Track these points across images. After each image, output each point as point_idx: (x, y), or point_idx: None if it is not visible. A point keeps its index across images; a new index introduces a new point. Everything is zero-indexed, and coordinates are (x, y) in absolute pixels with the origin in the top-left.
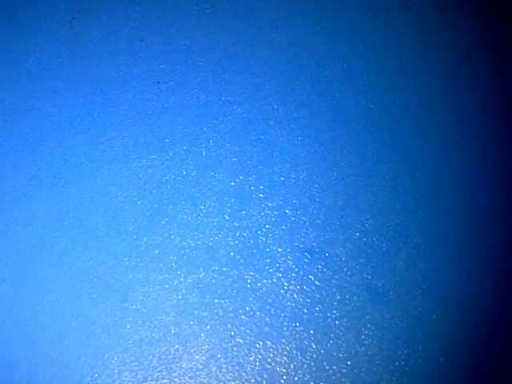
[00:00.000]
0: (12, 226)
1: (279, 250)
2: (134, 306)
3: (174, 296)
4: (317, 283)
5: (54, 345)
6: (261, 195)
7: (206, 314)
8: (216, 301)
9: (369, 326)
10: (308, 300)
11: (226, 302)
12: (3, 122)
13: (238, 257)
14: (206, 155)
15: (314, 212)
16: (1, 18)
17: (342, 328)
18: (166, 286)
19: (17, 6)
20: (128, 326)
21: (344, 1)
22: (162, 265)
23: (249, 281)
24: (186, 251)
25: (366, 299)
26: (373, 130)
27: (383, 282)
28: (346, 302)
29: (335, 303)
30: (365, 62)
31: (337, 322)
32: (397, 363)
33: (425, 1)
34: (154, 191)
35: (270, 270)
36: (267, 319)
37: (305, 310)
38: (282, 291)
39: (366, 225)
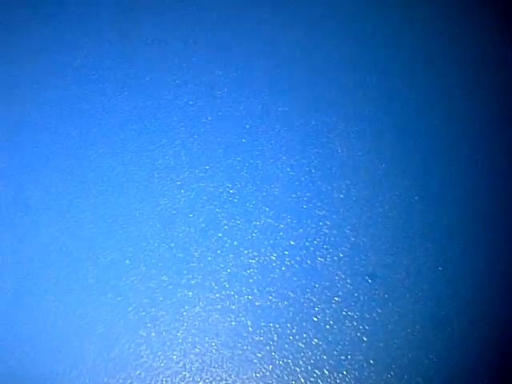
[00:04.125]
0: (57, 235)
1: (338, 272)
2: (185, 327)
3: (227, 318)
4: (378, 310)
5: (100, 364)
6: (319, 213)
7: (261, 338)
8: (271, 325)
9: (431, 356)
10: (367, 327)
11: (281, 327)
12: (49, 124)
13: (294, 278)
14: (262, 168)
15: (376, 233)
16: (48, 13)
17: (405, 359)
18: (219, 306)
19: (65, 2)
20: (177, 349)
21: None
22: (214, 284)
23: (305, 304)
24: (240, 270)
25: (428, 328)
26: (438, 147)
27: (447, 310)
28: (408, 330)
29: (397, 332)
30: (429, 75)
31: (398, 352)
32: None
33: None
34: (207, 204)
35: (328, 294)
36: (325, 346)
37: (365, 339)
38: (340, 317)
39: (431, 249)
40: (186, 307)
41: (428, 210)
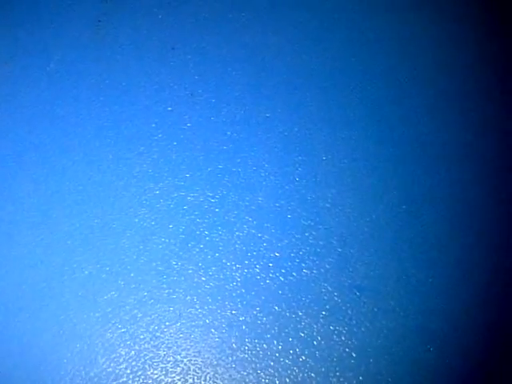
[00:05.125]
0: (30, 248)
1: (325, 285)
2: (166, 344)
3: (210, 334)
4: (367, 324)
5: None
6: (304, 222)
7: (245, 356)
8: (256, 341)
9: (422, 371)
10: (356, 343)
11: (266, 343)
12: (20, 130)
13: (279, 292)
14: (244, 176)
15: (364, 243)
16: (22, 16)
17: (395, 375)
18: (201, 322)
19: (39, 4)
20: (158, 368)
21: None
22: (195, 298)
23: (291, 319)
24: (222, 283)
25: (418, 342)
26: (425, 155)
27: (438, 324)
28: (399, 345)
29: (387, 347)
30: (416, 82)
31: (389, 368)
32: None
33: None
34: (187, 214)
35: (315, 308)
36: (312, 363)
37: (353, 354)
38: (328, 332)
39: (420, 260)
40: (167, 323)
41: (417, 219)
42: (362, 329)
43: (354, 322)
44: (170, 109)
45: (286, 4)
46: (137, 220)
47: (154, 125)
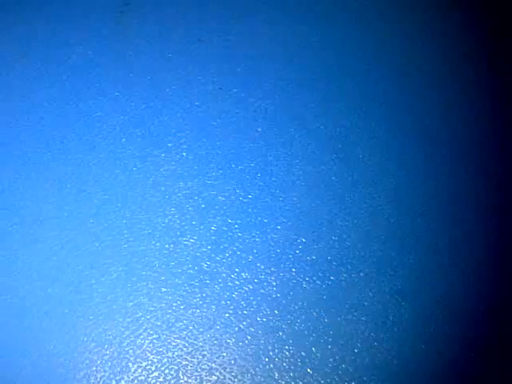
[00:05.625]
0: (56, 250)
1: (365, 290)
2: (199, 352)
3: (246, 341)
4: (408, 330)
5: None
6: (341, 224)
7: (283, 364)
8: (294, 348)
9: (465, 379)
10: (398, 350)
11: (305, 351)
12: (43, 127)
13: (317, 297)
14: (277, 174)
15: (405, 247)
16: (40, 7)
17: (438, 383)
18: (236, 328)
19: None
20: (193, 376)
21: None
22: (229, 303)
23: (331, 325)
24: (257, 287)
25: (461, 349)
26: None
27: (483, 331)
28: (442, 353)
29: (430, 354)
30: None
31: (432, 377)
32: None
33: None
34: (218, 215)
35: (355, 314)
36: (352, 371)
37: (395, 362)
38: (369, 339)
39: (463, 265)
40: (201, 329)
41: (459, 223)
42: (404, 335)
43: (396, 328)
44: (197, 103)
45: None
46: (166, 221)
47: (181, 120)
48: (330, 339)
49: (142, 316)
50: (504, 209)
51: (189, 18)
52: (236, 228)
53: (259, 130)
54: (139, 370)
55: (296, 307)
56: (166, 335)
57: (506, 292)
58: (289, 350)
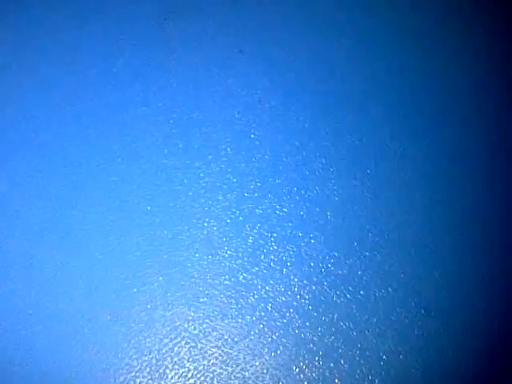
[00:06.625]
0: (100, 259)
1: (392, 304)
2: (233, 361)
3: (278, 352)
4: (434, 345)
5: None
6: (372, 239)
7: (314, 375)
8: (323, 360)
9: None
10: (423, 364)
11: (334, 362)
12: (88, 137)
13: (347, 310)
14: (313, 189)
15: (431, 263)
16: (84, 14)
17: None
18: (269, 339)
19: (103, 1)
20: None
21: None
22: (263, 314)
23: (359, 339)
24: (290, 300)
25: (486, 365)
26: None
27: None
28: (467, 368)
29: (454, 369)
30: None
31: None
32: None
33: None
34: (255, 227)
35: (383, 327)
36: (375, 381)
37: (419, 375)
38: (396, 352)
39: (487, 280)
40: (235, 339)
41: (487, 240)
42: (429, 349)
43: (421, 342)
44: (237, 116)
45: (356, 6)
46: (205, 232)
47: (221, 132)
48: (358, 352)
49: (180, 325)
50: None
51: (230, 29)
52: (272, 241)
53: (296, 143)
54: (176, 377)
55: (327, 320)
56: (203, 344)
57: None
58: (318, 361)
